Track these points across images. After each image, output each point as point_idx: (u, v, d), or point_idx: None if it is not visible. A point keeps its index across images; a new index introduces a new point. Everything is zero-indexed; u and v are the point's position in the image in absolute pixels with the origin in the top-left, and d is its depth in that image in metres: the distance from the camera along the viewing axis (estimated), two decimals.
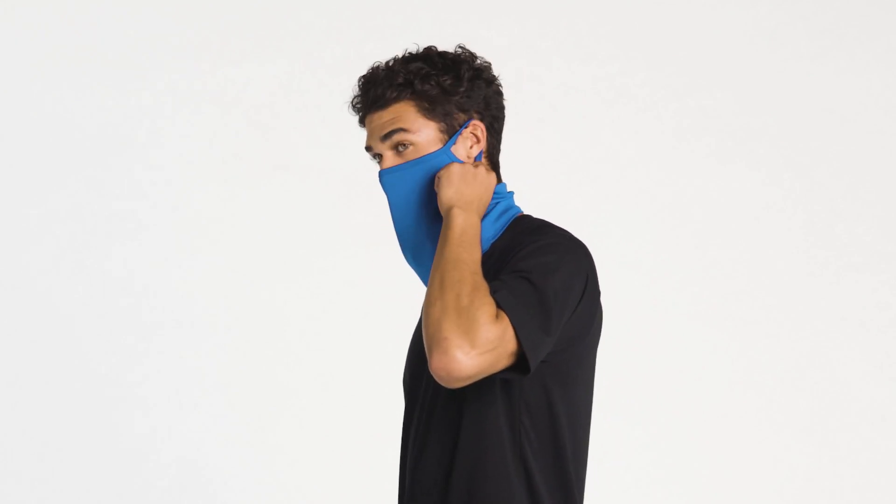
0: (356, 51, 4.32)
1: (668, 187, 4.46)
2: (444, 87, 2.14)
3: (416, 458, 2.12)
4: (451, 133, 2.15)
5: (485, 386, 2.04)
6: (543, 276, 2.01)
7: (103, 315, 4.22)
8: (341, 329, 4.27)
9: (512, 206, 2.24)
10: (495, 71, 2.24)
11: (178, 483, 4.22)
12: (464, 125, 2.16)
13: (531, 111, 4.39)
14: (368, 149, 2.18)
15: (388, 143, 2.14)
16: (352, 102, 2.20)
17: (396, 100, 2.13)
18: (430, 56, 2.16)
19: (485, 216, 2.17)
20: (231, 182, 4.29)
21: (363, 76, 2.19)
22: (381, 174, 2.15)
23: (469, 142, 2.16)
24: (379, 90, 2.14)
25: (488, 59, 2.27)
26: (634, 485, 4.40)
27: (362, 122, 2.20)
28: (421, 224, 2.16)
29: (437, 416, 2.10)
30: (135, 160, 4.26)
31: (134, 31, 4.27)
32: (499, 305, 1.94)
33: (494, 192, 2.20)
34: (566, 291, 2.03)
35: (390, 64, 2.16)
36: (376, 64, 2.18)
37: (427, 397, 2.12)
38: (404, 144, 2.14)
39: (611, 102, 4.46)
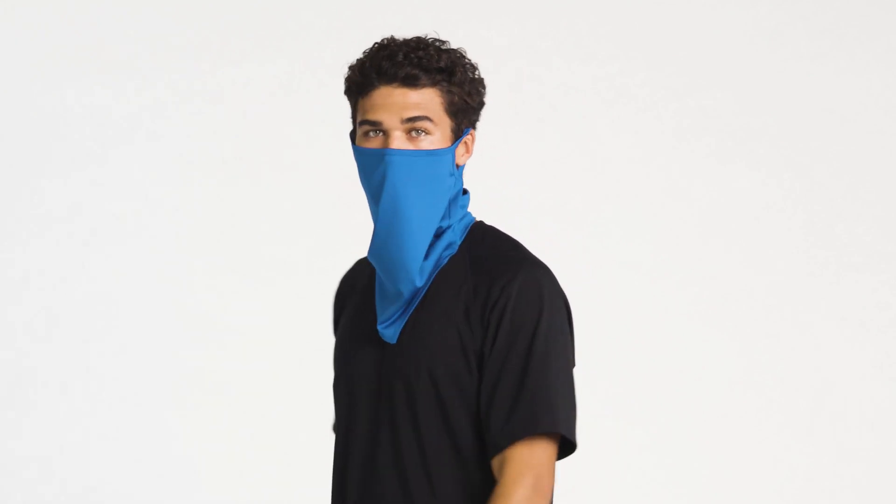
0: (356, 51, 4.31)
1: (668, 187, 4.46)
2: (470, 93, 2.11)
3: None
4: (456, 136, 2.13)
5: None
6: None
7: (103, 315, 4.23)
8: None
9: (468, 213, 2.21)
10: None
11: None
12: (465, 132, 2.14)
13: (531, 111, 4.40)
14: (369, 122, 2.07)
15: (407, 125, 2.07)
16: (359, 67, 2.09)
17: (429, 85, 2.07)
18: (462, 57, 2.11)
19: (451, 226, 2.15)
20: (231, 182, 4.29)
21: (385, 45, 2.09)
22: (391, 154, 2.05)
23: (463, 149, 2.15)
24: (413, 70, 2.06)
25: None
26: (634, 485, 4.40)
27: (365, 88, 2.08)
28: (413, 213, 2.09)
29: None
30: (135, 160, 4.26)
31: (134, 31, 4.27)
32: None
33: (461, 204, 2.18)
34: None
35: (421, 45, 2.08)
36: (401, 39, 2.09)
37: None
38: (422, 132, 2.08)
39: (611, 102, 4.46)
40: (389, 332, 2.13)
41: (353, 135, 2.14)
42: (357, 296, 2.23)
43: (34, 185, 4.21)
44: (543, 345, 2.12)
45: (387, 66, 2.06)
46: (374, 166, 2.08)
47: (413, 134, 2.08)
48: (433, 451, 2.11)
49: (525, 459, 2.06)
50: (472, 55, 2.21)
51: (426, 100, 2.07)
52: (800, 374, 4.46)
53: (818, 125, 4.51)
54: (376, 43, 2.10)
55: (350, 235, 4.34)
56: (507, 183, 4.30)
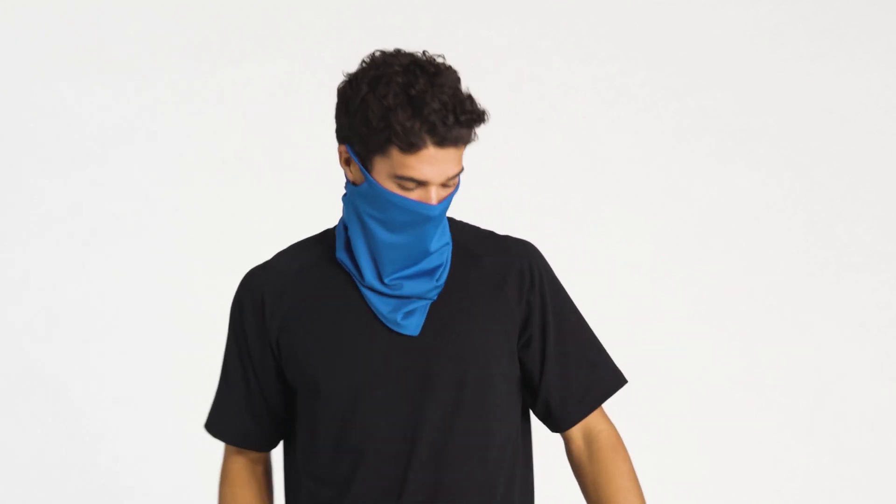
0: (356, 51, 4.31)
1: (668, 187, 4.46)
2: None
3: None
4: None
5: None
6: None
7: (103, 315, 4.22)
8: None
9: None
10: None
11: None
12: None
13: (531, 111, 4.40)
14: (413, 180, 2.05)
15: (445, 181, 2.08)
16: (423, 119, 2.02)
17: (466, 142, 2.09)
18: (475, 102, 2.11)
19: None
20: (231, 182, 4.29)
21: (448, 104, 2.03)
22: (436, 210, 2.07)
23: None
24: (462, 131, 2.06)
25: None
26: None
27: (411, 148, 2.04)
28: (436, 238, 2.14)
29: None
30: (135, 160, 4.26)
31: (134, 31, 4.27)
32: None
33: None
34: None
35: (459, 97, 2.05)
36: (449, 92, 2.04)
37: None
38: (451, 183, 2.10)
39: (611, 102, 4.46)
40: (411, 322, 2.15)
41: (363, 160, 2.10)
42: (300, 300, 2.18)
43: (34, 185, 4.21)
44: (577, 310, 2.34)
45: (440, 129, 2.03)
46: (411, 216, 2.09)
47: (448, 184, 2.10)
48: (479, 441, 2.17)
49: (604, 415, 2.40)
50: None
51: (461, 153, 2.09)
52: (800, 374, 4.46)
53: (818, 125, 4.51)
54: (419, 88, 2.03)
55: None
56: (507, 183, 4.29)
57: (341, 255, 2.18)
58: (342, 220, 2.23)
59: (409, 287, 2.14)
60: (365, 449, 2.14)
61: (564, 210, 4.43)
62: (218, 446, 4.12)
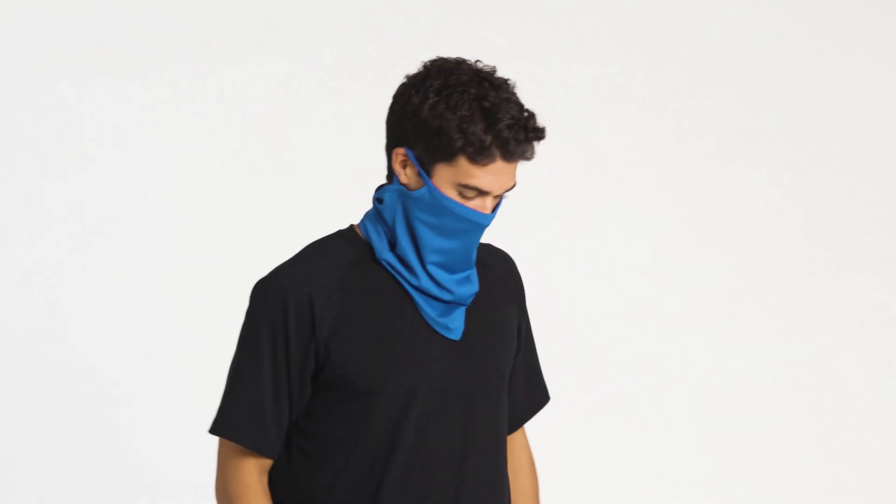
0: (356, 51, 4.32)
1: (668, 187, 4.46)
2: None
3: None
4: None
5: None
6: None
7: (103, 315, 4.22)
8: None
9: None
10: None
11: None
12: None
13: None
14: (478, 190, 2.10)
15: (502, 192, 2.15)
16: (497, 133, 2.08)
17: (529, 158, 2.15)
18: None
19: None
20: (231, 182, 4.29)
21: (520, 120, 2.11)
22: (489, 219, 2.13)
23: None
24: (529, 148, 2.13)
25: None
26: (634, 485, 4.40)
27: (482, 159, 2.09)
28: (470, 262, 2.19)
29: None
30: (135, 160, 4.26)
31: (134, 31, 4.26)
32: None
33: None
34: None
35: (525, 113, 2.13)
36: (518, 108, 2.12)
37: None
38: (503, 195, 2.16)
39: (611, 102, 4.46)
40: (457, 326, 2.18)
41: (423, 165, 2.13)
42: (347, 300, 2.17)
43: (34, 185, 4.21)
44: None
45: (511, 145, 2.09)
46: (467, 223, 2.13)
47: (497, 196, 2.15)
48: (502, 440, 2.25)
49: (524, 429, 2.43)
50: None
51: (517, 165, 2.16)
52: (799, 374, 4.46)
53: (818, 125, 4.51)
54: (492, 100, 2.10)
55: None
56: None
57: (388, 255, 2.17)
58: (375, 221, 2.21)
59: (459, 291, 2.17)
60: (418, 451, 2.15)
61: (564, 210, 4.42)
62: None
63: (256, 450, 2.15)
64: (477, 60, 2.16)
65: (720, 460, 4.41)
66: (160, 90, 4.28)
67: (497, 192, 2.12)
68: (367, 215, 2.23)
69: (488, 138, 2.07)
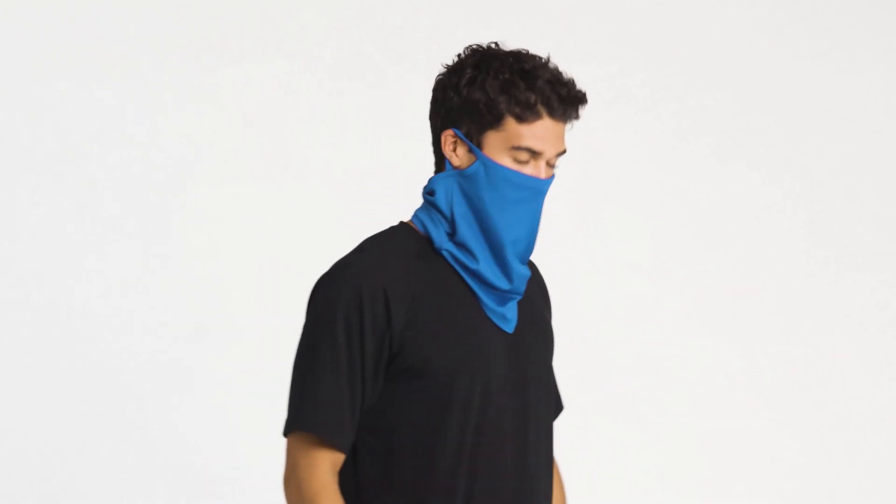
0: (356, 51, 4.32)
1: (668, 187, 4.46)
2: None
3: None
4: None
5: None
6: None
7: (103, 315, 4.22)
8: None
9: None
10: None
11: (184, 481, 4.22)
12: None
13: None
14: (530, 150, 2.14)
15: (554, 159, 2.18)
16: (540, 90, 2.14)
17: (575, 119, 2.19)
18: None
19: None
20: (231, 182, 4.29)
21: (561, 78, 2.18)
22: (547, 184, 2.17)
23: None
24: (571, 110, 2.17)
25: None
26: (634, 485, 4.40)
27: (529, 117, 2.13)
28: (535, 236, 2.20)
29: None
30: (134, 160, 4.26)
31: (134, 31, 4.26)
32: None
33: None
34: None
35: (565, 77, 2.19)
36: (565, 74, 2.19)
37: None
38: (555, 164, 2.19)
39: (611, 102, 4.46)
40: (511, 317, 2.19)
41: (473, 139, 2.15)
42: (417, 291, 2.15)
43: (34, 185, 4.21)
44: None
45: (554, 101, 2.14)
46: (525, 190, 2.15)
47: (549, 165, 2.18)
48: (552, 436, 2.27)
49: None
50: None
51: (565, 131, 2.20)
52: (799, 374, 4.45)
53: (818, 125, 4.51)
54: (518, 57, 2.16)
55: (351, 235, 4.33)
56: None
57: (447, 244, 2.17)
58: (429, 212, 2.20)
59: (518, 282, 2.18)
60: (484, 445, 2.15)
61: (564, 210, 4.42)
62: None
63: (339, 443, 2.10)
64: (495, 42, 2.21)
65: (720, 460, 4.41)
66: (160, 90, 4.28)
67: (549, 154, 2.15)
68: (419, 210, 2.23)
69: (532, 96, 2.12)
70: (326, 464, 2.11)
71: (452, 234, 2.17)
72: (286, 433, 2.14)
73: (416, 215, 2.23)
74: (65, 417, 4.20)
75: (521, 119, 2.12)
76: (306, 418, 2.11)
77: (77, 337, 4.22)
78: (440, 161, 2.20)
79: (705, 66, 4.48)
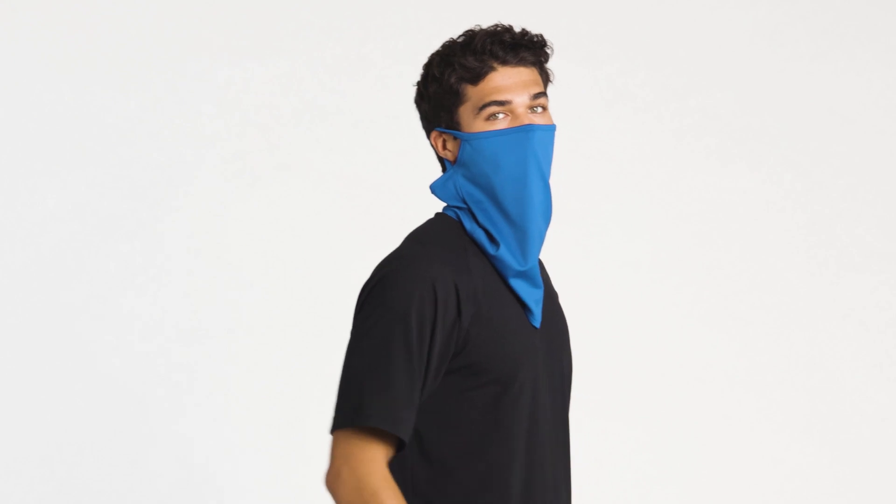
0: (356, 51, 4.32)
1: (668, 187, 4.46)
2: (548, 76, 2.24)
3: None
4: None
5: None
6: None
7: (103, 316, 4.22)
8: (342, 329, 4.26)
9: None
10: None
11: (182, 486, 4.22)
12: None
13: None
14: (497, 103, 2.12)
15: (531, 102, 2.14)
16: (480, 46, 2.16)
17: (535, 65, 2.18)
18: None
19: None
20: (231, 182, 4.29)
21: (500, 28, 2.19)
22: (536, 129, 2.13)
23: None
24: (524, 52, 2.16)
25: None
26: (634, 485, 4.40)
27: (481, 74, 2.13)
28: (548, 188, 2.18)
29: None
30: (135, 160, 4.26)
31: (134, 31, 4.27)
32: None
33: None
34: None
35: (519, 29, 2.20)
36: (498, 24, 2.21)
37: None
38: (542, 108, 2.16)
39: (611, 102, 4.46)
40: (539, 312, 2.18)
41: (450, 126, 2.15)
42: (477, 285, 2.13)
43: (34, 185, 4.21)
44: None
45: (498, 50, 2.15)
46: (515, 145, 2.12)
47: (537, 110, 2.16)
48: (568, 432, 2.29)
49: None
50: None
51: (537, 78, 2.18)
52: (799, 374, 4.46)
53: (818, 125, 4.51)
54: (463, 36, 2.19)
55: (351, 235, 4.34)
56: None
57: (478, 233, 2.16)
58: (453, 209, 2.19)
59: (531, 261, 2.15)
60: (542, 438, 2.15)
61: (564, 210, 4.42)
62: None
63: (404, 439, 2.04)
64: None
65: (720, 460, 4.41)
66: (160, 90, 4.28)
67: (520, 100, 2.13)
68: (447, 207, 2.21)
69: (474, 56, 2.14)
70: (384, 459, 2.04)
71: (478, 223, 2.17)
72: (342, 426, 2.04)
73: (448, 208, 2.21)
74: (65, 418, 4.20)
75: (474, 79, 2.13)
76: (378, 414, 2.02)
77: (77, 338, 4.23)
78: (444, 167, 2.22)
79: (705, 66, 4.48)
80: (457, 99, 2.14)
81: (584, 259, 4.39)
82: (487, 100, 2.12)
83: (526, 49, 2.16)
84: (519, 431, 2.13)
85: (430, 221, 2.21)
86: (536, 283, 2.18)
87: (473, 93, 2.13)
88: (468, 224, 2.16)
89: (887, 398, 4.47)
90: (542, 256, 2.39)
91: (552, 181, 2.23)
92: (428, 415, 2.10)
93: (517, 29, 2.20)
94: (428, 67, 2.18)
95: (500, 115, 2.13)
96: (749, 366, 4.44)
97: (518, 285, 2.15)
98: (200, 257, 4.28)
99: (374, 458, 2.04)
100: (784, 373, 4.45)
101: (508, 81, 2.13)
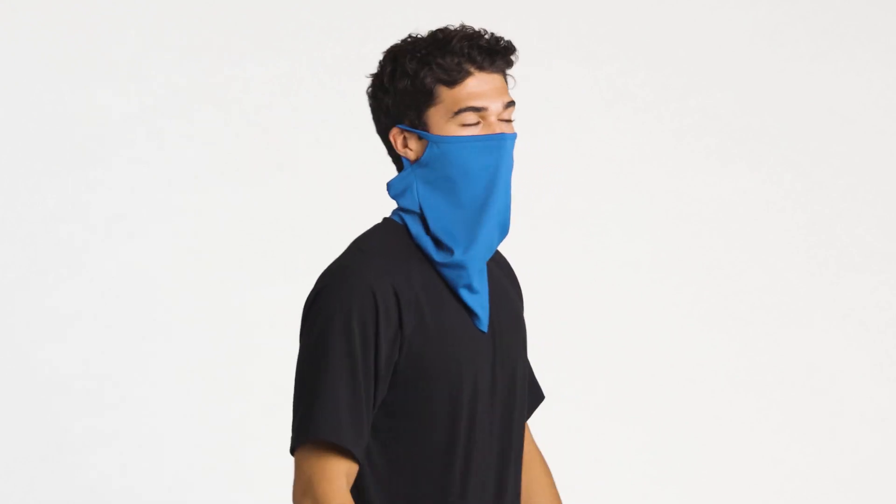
0: (356, 51, 4.32)
1: (668, 187, 4.46)
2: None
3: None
4: None
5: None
6: None
7: (103, 316, 4.22)
8: None
9: None
10: None
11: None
12: None
13: (531, 111, 4.39)
14: (473, 109, 2.08)
15: (503, 110, 2.11)
16: (458, 49, 2.11)
17: (503, 71, 2.14)
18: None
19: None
20: (231, 182, 4.29)
21: (474, 32, 2.14)
22: (509, 138, 2.11)
23: None
24: (499, 59, 2.12)
25: None
26: (634, 485, 4.40)
27: (456, 78, 2.08)
28: (510, 199, 2.14)
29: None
30: (135, 160, 4.26)
31: (134, 31, 4.27)
32: None
33: None
34: None
35: (489, 33, 2.15)
36: (469, 27, 2.15)
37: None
38: (510, 119, 2.13)
39: (611, 102, 4.46)
40: (484, 318, 2.14)
41: (416, 125, 2.11)
42: (419, 293, 2.10)
43: (34, 185, 4.21)
44: None
45: (475, 54, 2.10)
46: (487, 152, 2.09)
47: (505, 119, 2.12)
48: (523, 430, 2.23)
49: None
50: None
51: (505, 86, 2.14)
52: (799, 374, 4.46)
53: (818, 125, 4.51)
54: (431, 34, 2.15)
55: (351, 236, 4.33)
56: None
57: (424, 239, 2.13)
58: (403, 213, 2.16)
59: (476, 253, 2.11)
60: (475, 452, 2.12)
61: (564, 210, 4.42)
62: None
63: (358, 451, 2.02)
64: (409, 35, 2.19)
65: (720, 460, 4.41)
66: (160, 90, 4.28)
67: (494, 108, 2.09)
68: (395, 212, 2.18)
69: (452, 58, 2.09)
70: (343, 476, 2.02)
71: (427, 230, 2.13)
72: (298, 445, 2.03)
73: (396, 213, 2.18)
74: (64, 418, 4.20)
75: (451, 83, 2.09)
76: (324, 426, 2.00)
77: (77, 337, 4.23)
78: (397, 165, 2.17)
79: (705, 66, 4.48)
80: (429, 99, 2.09)
81: (584, 259, 4.39)
82: (464, 105, 2.08)
83: (500, 56, 2.12)
84: (458, 438, 2.10)
85: (375, 227, 2.18)
86: (479, 288, 2.13)
87: (448, 95, 2.09)
88: (414, 229, 2.12)
89: (887, 398, 4.47)
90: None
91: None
92: (374, 423, 2.09)
93: (487, 31, 2.16)
94: (394, 61, 2.12)
95: (474, 121, 2.09)
96: (749, 366, 4.44)
97: (464, 293, 2.12)
98: (201, 257, 4.27)
99: (333, 475, 2.02)
100: (784, 373, 4.45)
101: (485, 87, 2.09)
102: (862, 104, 4.52)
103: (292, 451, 2.05)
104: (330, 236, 4.30)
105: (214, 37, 4.31)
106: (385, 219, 2.19)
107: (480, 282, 2.12)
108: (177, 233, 4.26)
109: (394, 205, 2.20)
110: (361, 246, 2.15)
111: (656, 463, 4.40)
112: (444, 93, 2.09)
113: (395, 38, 2.25)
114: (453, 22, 4.49)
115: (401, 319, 2.06)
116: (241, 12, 4.32)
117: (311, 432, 2.01)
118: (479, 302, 2.13)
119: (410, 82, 2.09)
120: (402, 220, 2.15)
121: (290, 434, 2.06)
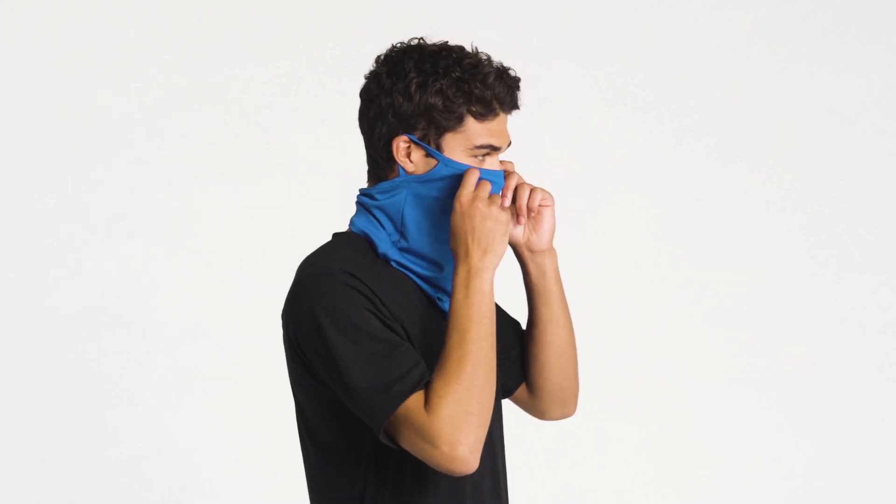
0: (356, 51, 4.32)
1: (668, 187, 4.46)
2: None
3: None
4: None
5: None
6: None
7: (103, 316, 4.22)
8: None
9: None
10: None
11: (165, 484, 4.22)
12: None
13: (531, 111, 4.39)
14: (493, 147, 2.12)
15: (503, 152, 2.18)
16: (491, 83, 2.09)
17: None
18: None
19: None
20: (231, 182, 4.29)
21: (503, 70, 2.12)
22: (504, 176, 2.18)
23: None
24: (516, 98, 2.15)
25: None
26: (634, 485, 4.40)
27: (488, 114, 2.10)
28: None
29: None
30: (135, 160, 4.26)
31: (134, 31, 4.27)
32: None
33: None
34: None
35: (505, 67, 2.14)
36: (494, 62, 2.13)
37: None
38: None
39: (611, 102, 4.46)
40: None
41: (431, 142, 2.11)
42: (388, 293, 2.09)
43: (34, 185, 4.21)
44: None
45: (504, 96, 2.11)
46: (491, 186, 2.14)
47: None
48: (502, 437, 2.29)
49: None
50: None
51: None
52: (799, 374, 4.46)
53: (818, 125, 4.51)
54: (471, 59, 2.10)
55: None
56: None
57: (395, 254, 2.13)
58: (369, 220, 2.16)
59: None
60: None
61: (564, 210, 4.42)
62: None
63: (428, 371, 2.02)
64: (420, 38, 2.16)
65: (720, 460, 4.41)
66: (160, 90, 4.28)
67: (504, 148, 2.15)
68: (355, 218, 2.18)
69: (488, 92, 2.09)
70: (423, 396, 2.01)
71: (398, 241, 2.14)
72: (390, 413, 1.99)
73: (353, 223, 2.18)
74: (64, 418, 4.20)
75: (481, 117, 2.10)
76: (400, 384, 1.98)
77: (77, 337, 4.23)
78: (382, 167, 2.15)
79: (705, 66, 4.48)
80: (455, 125, 2.10)
81: (584, 259, 4.39)
82: (485, 142, 2.11)
83: (515, 94, 2.15)
84: None
85: (333, 241, 2.20)
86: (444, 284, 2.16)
87: (473, 127, 2.10)
88: (379, 240, 2.14)
89: (887, 398, 4.47)
90: None
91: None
92: (335, 420, 2.09)
93: (504, 65, 2.14)
94: (421, 70, 2.09)
95: (483, 156, 2.13)
96: (749, 366, 4.44)
97: (431, 284, 2.16)
98: (201, 257, 4.28)
99: (421, 406, 1.99)
100: (784, 373, 4.45)
101: (502, 127, 2.14)
102: (862, 104, 4.52)
103: (380, 427, 2.00)
104: (330, 236, 4.31)
105: (214, 37, 4.31)
106: (340, 233, 2.22)
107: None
108: (177, 233, 4.27)
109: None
110: (324, 253, 2.16)
111: (656, 462, 4.40)
112: (471, 124, 2.11)
113: (395, 38, 2.24)
114: (453, 22, 4.52)
115: (383, 304, 2.06)
116: (241, 12, 4.33)
117: (396, 396, 1.99)
118: (441, 292, 2.18)
119: (443, 104, 2.08)
120: (362, 228, 2.17)
121: (368, 418, 2.01)
